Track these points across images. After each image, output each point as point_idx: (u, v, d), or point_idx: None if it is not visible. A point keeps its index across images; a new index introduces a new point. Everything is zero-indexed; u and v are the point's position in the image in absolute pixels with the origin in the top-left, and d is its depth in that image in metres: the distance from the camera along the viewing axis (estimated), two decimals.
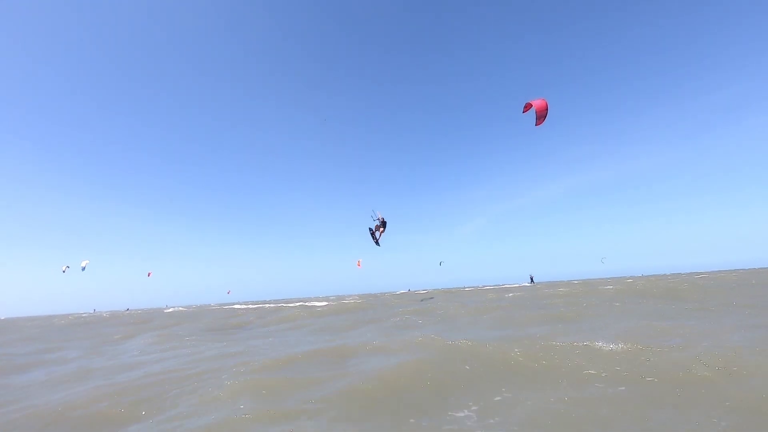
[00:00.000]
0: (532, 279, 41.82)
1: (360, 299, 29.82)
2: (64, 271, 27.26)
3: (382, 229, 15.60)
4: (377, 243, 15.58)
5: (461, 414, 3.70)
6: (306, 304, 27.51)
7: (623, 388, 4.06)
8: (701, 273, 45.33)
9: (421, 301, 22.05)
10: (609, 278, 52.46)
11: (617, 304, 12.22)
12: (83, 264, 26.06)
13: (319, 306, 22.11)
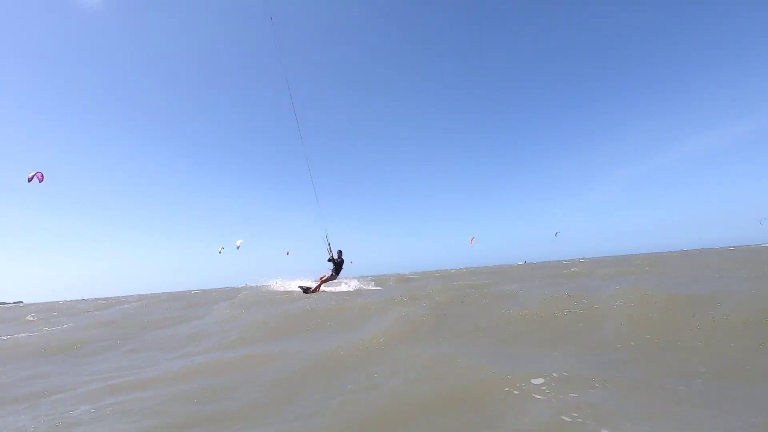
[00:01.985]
0: None
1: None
2: (220, 252, 28.14)
3: (333, 274, 10.11)
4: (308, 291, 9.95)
5: None
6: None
7: None
8: None
9: None
10: None
11: None
12: (238, 243, 25.79)
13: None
